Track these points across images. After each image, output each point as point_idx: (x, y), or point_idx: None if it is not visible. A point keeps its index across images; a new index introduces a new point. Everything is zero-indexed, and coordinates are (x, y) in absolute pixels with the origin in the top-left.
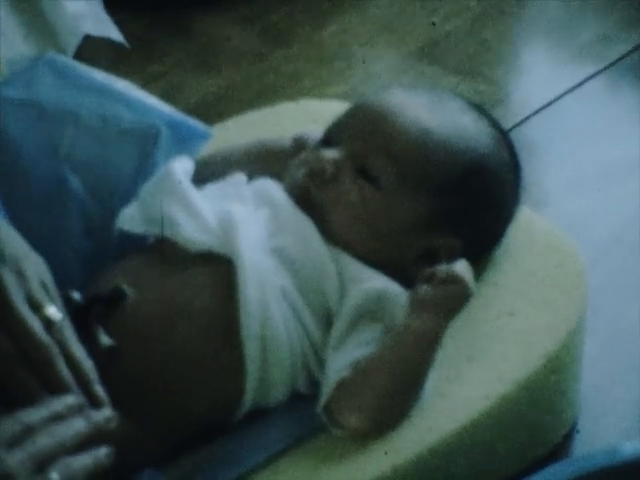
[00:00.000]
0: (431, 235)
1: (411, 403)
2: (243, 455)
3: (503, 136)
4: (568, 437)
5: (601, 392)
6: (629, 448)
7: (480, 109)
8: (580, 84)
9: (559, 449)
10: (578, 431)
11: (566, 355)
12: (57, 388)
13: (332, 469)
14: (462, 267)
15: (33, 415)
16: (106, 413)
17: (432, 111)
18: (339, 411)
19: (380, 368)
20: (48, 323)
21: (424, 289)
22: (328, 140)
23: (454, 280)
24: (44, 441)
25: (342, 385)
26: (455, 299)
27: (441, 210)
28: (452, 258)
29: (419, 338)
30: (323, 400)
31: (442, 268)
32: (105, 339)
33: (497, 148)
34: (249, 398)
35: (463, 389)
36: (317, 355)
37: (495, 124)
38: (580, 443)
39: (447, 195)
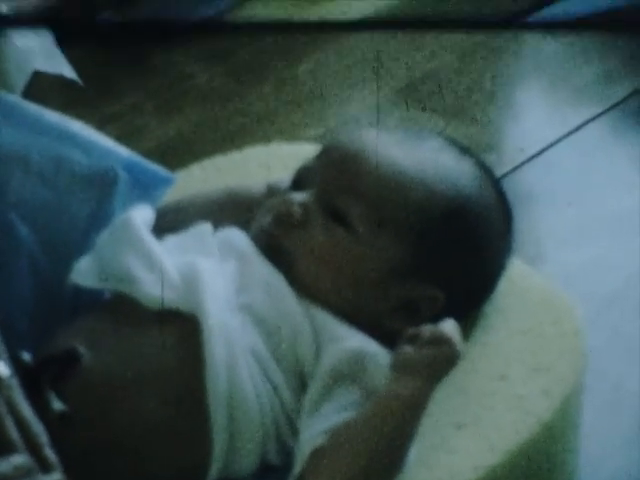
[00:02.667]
0: (410, 285)
1: (393, 474)
2: None
3: (490, 177)
4: None
5: (602, 464)
6: None
7: (464, 148)
8: (579, 128)
9: None
10: None
11: (563, 422)
12: (4, 449)
13: None
14: (450, 327)
15: None
16: (56, 478)
17: (407, 148)
18: None
19: (359, 436)
20: None
21: (407, 351)
22: (297, 184)
23: (441, 341)
24: None
25: (317, 454)
26: (442, 362)
27: (420, 256)
28: (434, 312)
29: (402, 404)
30: (296, 471)
31: (427, 328)
32: (57, 404)
33: (482, 188)
34: (216, 468)
35: (450, 459)
36: (290, 421)
37: (481, 164)
38: None
39: (426, 239)
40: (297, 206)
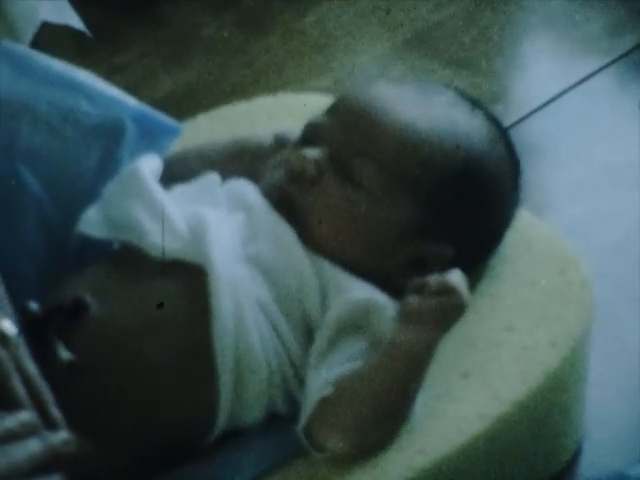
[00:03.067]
0: (420, 242)
1: (399, 424)
2: (218, 478)
3: (500, 131)
4: (572, 462)
5: (608, 413)
6: (637, 472)
7: (475, 101)
8: (586, 79)
9: (562, 475)
10: (583, 455)
11: (569, 372)
12: (11, 406)
13: None
14: (456, 277)
15: None
16: (62, 435)
17: (419, 105)
18: (320, 432)
19: (365, 386)
20: (2, 338)
21: (414, 300)
22: (308, 138)
23: (447, 291)
24: None
25: (323, 404)
26: (448, 312)
27: (431, 215)
28: (443, 267)
29: (408, 353)
30: (303, 421)
31: (434, 278)
32: (65, 353)
33: (492, 145)
34: (223, 417)
35: (456, 409)
36: (296, 372)
37: (491, 118)
38: (585, 468)
39: (437, 198)
40: (311, 163)
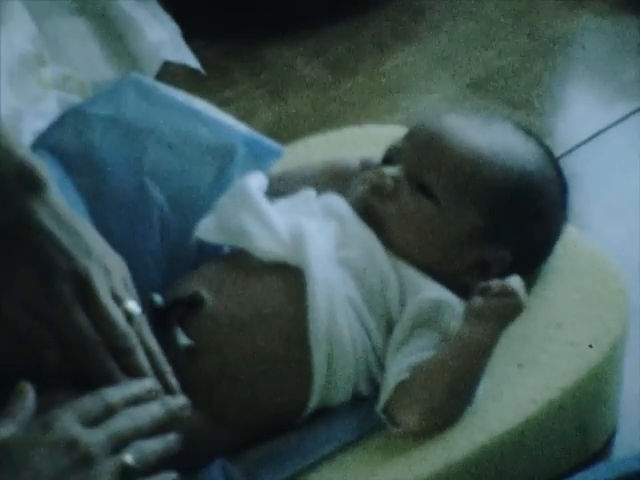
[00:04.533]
0: (483, 247)
1: (464, 405)
2: (308, 449)
3: (550, 156)
4: (609, 442)
5: (637, 402)
6: None
7: (528, 132)
8: (622, 119)
9: (600, 453)
10: (616, 437)
11: (609, 366)
12: (136, 374)
13: (390, 464)
14: (515, 281)
15: (115, 394)
16: (180, 401)
17: (482, 132)
18: (397, 411)
19: (437, 372)
20: (128, 316)
21: (479, 301)
22: (388, 159)
23: (508, 293)
24: (122, 423)
25: (401, 387)
26: (508, 311)
27: (492, 224)
28: (502, 270)
29: (474, 346)
30: (383, 401)
31: (497, 282)
32: (183, 339)
33: (544, 166)
34: (315, 398)
35: (513, 393)
36: (378, 359)
37: (542, 146)
38: (619, 448)
39: (498, 209)
40: (389, 179)
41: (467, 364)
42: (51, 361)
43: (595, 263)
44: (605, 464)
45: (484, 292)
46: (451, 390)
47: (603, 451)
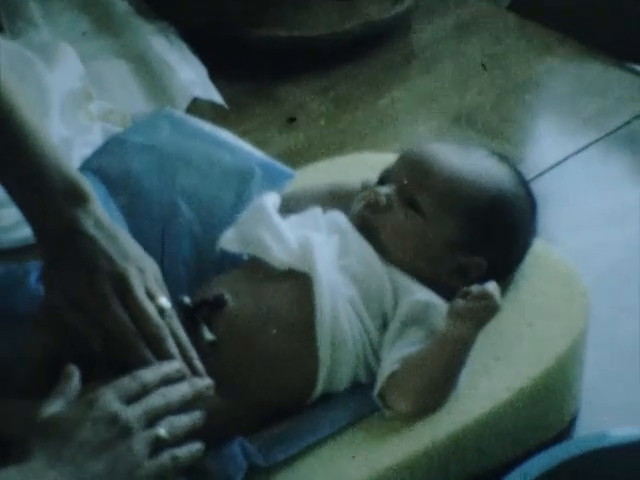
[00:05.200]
0: (462, 254)
1: (448, 392)
2: (316, 428)
3: (521, 178)
4: (571, 423)
5: (598, 388)
6: (616, 433)
7: (502, 156)
8: (583, 149)
9: (563, 433)
10: (579, 419)
11: (572, 358)
12: (167, 358)
13: (384, 441)
14: (492, 286)
15: (148, 375)
16: (206, 382)
17: (463, 157)
18: (390, 397)
19: (424, 364)
20: (160, 310)
21: (461, 303)
22: (382, 180)
23: (485, 297)
24: (156, 400)
25: (393, 376)
26: (486, 312)
27: (470, 234)
28: (480, 275)
29: (456, 342)
30: (378, 388)
31: (476, 286)
32: (209, 334)
33: (516, 187)
34: (320, 385)
35: (490, 382)
36: (374, 351)
37: (514, 168)
38: (580, 428)
39: (475, 223)
40: (383, 196)
41: (450, 357)
42: (95, 349)
43: (560, 270)
44: (568, 442)
45: (465, 295)
46: (436, 379)
47: (566, 431)
